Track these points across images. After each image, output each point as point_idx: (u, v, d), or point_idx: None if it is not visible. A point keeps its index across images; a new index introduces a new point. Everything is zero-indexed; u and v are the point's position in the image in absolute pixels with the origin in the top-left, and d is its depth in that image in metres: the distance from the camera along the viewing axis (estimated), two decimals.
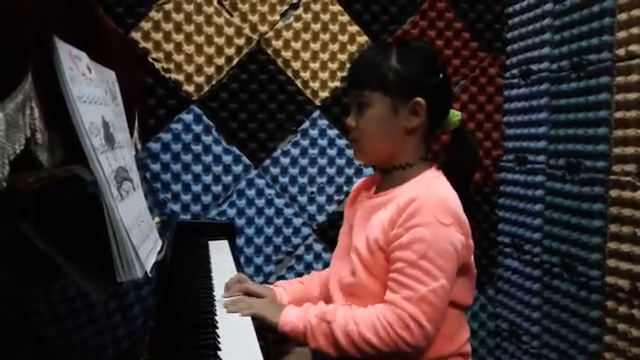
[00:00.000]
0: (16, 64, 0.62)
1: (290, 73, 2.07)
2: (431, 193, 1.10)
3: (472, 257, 1.16)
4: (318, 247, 2.13)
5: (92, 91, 0.83)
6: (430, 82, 1.15)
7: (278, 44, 2.05)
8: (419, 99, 1.13)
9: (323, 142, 2.11)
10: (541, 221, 1.99)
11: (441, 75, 1.17)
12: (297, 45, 2.07)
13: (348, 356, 1.08)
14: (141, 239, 0.87)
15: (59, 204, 0.85)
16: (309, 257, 2.13)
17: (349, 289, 1.17)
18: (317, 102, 2.10)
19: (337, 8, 2.09)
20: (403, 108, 1.14)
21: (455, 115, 1.20)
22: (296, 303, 1.19)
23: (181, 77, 1.98)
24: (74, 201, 0.90)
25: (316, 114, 2.10)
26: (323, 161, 2.12)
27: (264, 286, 1.31)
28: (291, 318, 1.11)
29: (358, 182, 1.34)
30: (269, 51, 2.05)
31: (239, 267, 1.50)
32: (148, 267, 0.86)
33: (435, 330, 1.06)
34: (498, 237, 2.27)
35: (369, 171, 2.11)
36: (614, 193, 1.65)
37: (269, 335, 1.15)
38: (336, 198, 2.12)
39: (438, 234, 1.06)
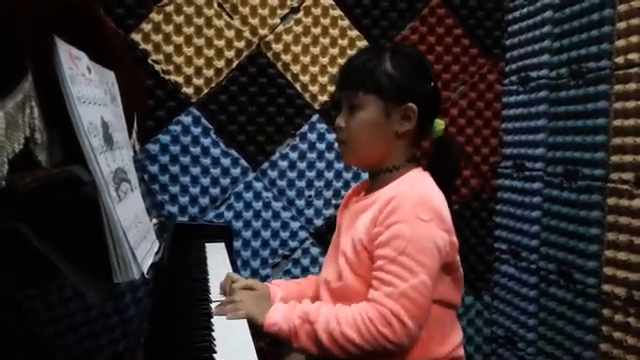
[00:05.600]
0: (16, 63, 0.62)
1: (289, 77, 2.07)
2: (411, 190, 1.11)
3: (457, 256, 1.16)
4: (315, 251, 2.13)
5: (91, 91, 0.83)
6: (423, 89, 1.17)
7: (278, 47, 2.05)
8: (411, 104, 1.14)
9: (321, 146, 2.11)
10: (538, 228, 1.99)
11: (432, 83, 1.19)
12: (297, 49, 2.07)
13: (333, 356, 1.08)
14: (138, 240, 0.87)
15: (57, 204, 0.85)
16: (306, 261, 2.12)
17: (337, 293, 1.17)
18: (316, 106, 2.10)
19: (337, 12, 2.09)
20: (395, 112, 1.15)
21: (439, 124, 1.22)
22: (289, 302, 1.19)
23: (180, 79, 1.99)
24: (72, 201, 0.89)
25: (315, 118, 2.11)
26: (321, 165, 2.12)
27: (260, 283, 1.31)
28: (277, 319, 1.11)
29: (349, 190, 1.36)
30: (269, 54, 2.05)
31: (236, 270, 1.50)
32: (145, 268, 0.85)
33: (418, 328, 1.06)
34: (495, 243, 2.27)
35: (367, 175, 2.11)
36: (611, 201, 1.65)
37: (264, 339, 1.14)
38: (334, 202, 2.12)
39: (417, 230, 1.06)
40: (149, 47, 1.95)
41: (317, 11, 2.07)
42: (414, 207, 1.07)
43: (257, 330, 1.11)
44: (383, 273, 1.06)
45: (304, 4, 2.07)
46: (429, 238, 1.07)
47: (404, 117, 1.15)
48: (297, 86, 2.08)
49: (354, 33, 2.11)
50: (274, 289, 1.28)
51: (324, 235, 2.11)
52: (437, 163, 1.22)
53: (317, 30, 2.08)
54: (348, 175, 2.13)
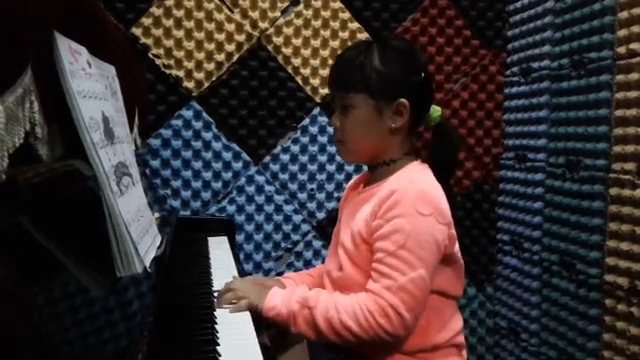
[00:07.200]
0: (16, 58, 0.62)
1: (290, 70, 2.07)
2: (411, 185, 1.11)
3: (457, 247, 1.18)
4: (317, 244, 2.13)
5: (92, 86, 0.83)
6: (413, 82, 1.17)
7: (278, 41, 2.05)
8: (403, 100, 1.15)
9: (323, 139, 2.11)
10: (541, 219, 1.99)
11: (423, 74, 1.19)
12: (297, 42, 2.06)
13: (329, 342, 1.10)
14: (140, 234, 0.87)
15: (58, 199, 0.85)
16: (308, 254, 2.13)
17: (338, 282, 1.19)
18: (317, 99, 2.10)
19: (338, 5, 2.09)
20: (387, 109, 1.16)
21: (435, 111, 1.22)
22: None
23: (181, 73, 1.98)
24: (73, 196, 0.90)
25: (316, 111, 2.10)
26: (323, 158, 2.12)
27: (273, 278, 1.32)
28: (275, 303, 1.11)
29: (349, 183, 1.36)
30: (269, 48, 2.05)
31: (238, 263, 1.50)
32: (147, 262, 0.86)
33: (414, 320, 1.08)
34: (497, 235, 2.26)
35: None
36: (614, 191, 1.65)
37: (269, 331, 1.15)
38: (336, 195, 2.12)
39: (417, 224, 1.08)
40: (149, 41, 1.95)
41: (317, 3, 2.07)
42: (414, 201, 1.09)
43: (257, 316, 1.12)
44: (382, 266, 1.08)
45: None
46: (428, 232, 1.09)
47: (396, 112, 1.16)
48: (298, 79, 2.08)
49: (355, 25, 2.10)
50: (289, 283, 1.29)
51: (326, 228, 2.11)
52: (436, 151, 1.23)
53: (317, 23, 2.08)
54: (350, 168, 2.13)
